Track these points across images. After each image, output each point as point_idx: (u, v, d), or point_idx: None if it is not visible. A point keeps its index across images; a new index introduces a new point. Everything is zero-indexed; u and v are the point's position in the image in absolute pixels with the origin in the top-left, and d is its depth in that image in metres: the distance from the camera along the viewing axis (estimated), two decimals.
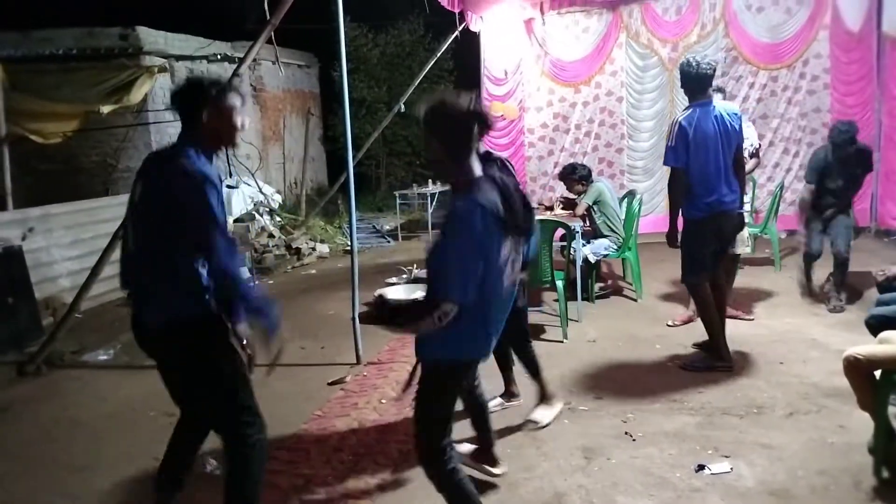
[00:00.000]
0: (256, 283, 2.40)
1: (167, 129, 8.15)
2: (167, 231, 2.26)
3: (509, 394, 3.75)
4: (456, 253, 2.05)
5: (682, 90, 4.30)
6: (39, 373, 4.75)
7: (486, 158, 3.19)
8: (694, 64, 4.10)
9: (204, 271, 2.28)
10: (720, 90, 4.79)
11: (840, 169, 5.23)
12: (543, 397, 3.55)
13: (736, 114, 4.22)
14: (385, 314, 2.42)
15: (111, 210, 6.54)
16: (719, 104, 4.24)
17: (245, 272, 2.33)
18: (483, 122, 2.14)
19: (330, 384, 4.26)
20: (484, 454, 2.98)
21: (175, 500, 2.62)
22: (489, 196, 2.08)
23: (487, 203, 2.05)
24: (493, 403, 3.57)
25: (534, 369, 3.57)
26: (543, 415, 3.49)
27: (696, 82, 4.11)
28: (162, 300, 2.31)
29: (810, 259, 5.47)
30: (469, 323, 2.14)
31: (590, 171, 6.05)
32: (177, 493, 2.62)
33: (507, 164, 3.27)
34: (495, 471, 2.96)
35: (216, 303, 2.32)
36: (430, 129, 2.15)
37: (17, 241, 5.59)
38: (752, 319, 5.06)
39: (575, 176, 5.95)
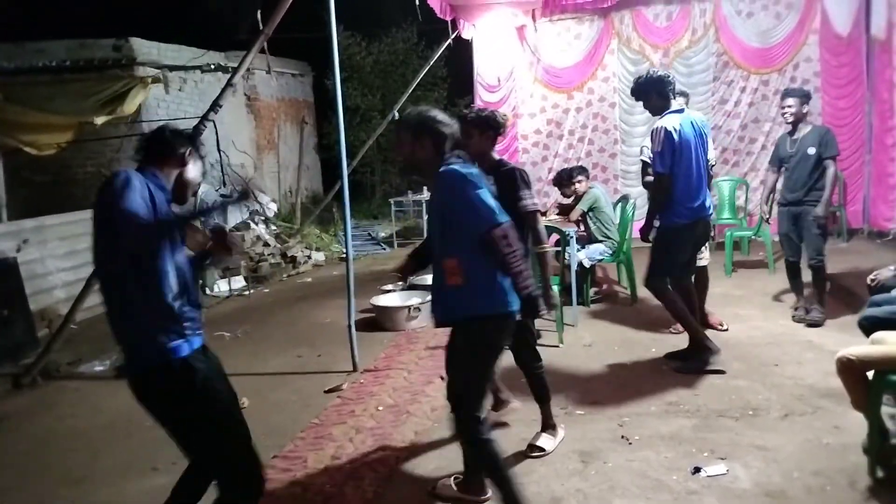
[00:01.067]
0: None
1: None
2: (110, 254, 2.09)
3: (499, 402, 3.58)
4: (473, 194, 2.43)
5: (646, 108, 4.28)
6: (35, 384, 4.74)
7: (498, 167, 3.18)
8: (643, 75, 4.23)
9: (166, 296, 2.11)
10: (683, 94, 4.73)
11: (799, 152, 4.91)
12: (546, 426, 3.36)
13: (705, 122, 4.34)
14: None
15: None
16: (690, 111, 4.33)
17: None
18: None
19: (327, 392, 4.26)
20: (470, 485, 2.90)
21: None
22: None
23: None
24: (544, 442, 3.32)
25: (542, 394, 3.37)
26: (548, 442, 3.29)
27: (655, 90, 4.14)
28: (131, 346, 2.15)
29: (792, 270, 5.18)
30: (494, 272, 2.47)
31: (584, 169, 6.17)
32: None
33: (518, 174, 3.10)
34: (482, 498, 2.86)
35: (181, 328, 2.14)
36: (422, 130, 2.55)
37: (12, 252, 5.59)
38: (727, 330, 4.89)
39: (574, 179, 6.00)
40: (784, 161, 5.08)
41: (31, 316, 5.49)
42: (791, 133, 5.03)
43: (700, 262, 4.53)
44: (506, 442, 3.16)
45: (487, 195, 2.44)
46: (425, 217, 9.95)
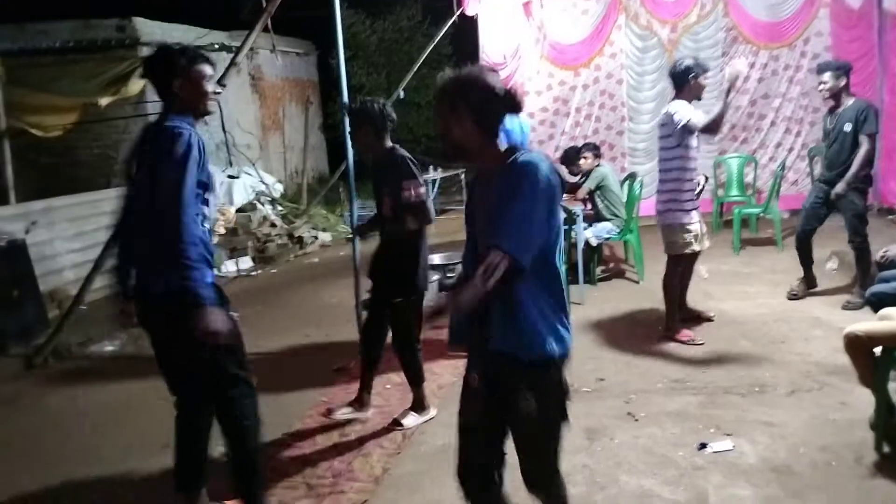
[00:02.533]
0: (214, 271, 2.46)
1: None
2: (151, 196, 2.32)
3: (360, 402, 3.56)
4: (521, 206, 1.74)
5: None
6: (46, 365, 4.79)
7: (388, 155, 3.30)
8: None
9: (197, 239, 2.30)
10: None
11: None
12: (417, 406, 3.44)
13: None
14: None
15: (113, 202, 6.50)
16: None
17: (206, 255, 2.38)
18: (515, 103, 1.86)
19: (335, 371, 4.29)
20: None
21: (201, 496, 2.60)
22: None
23: (550, 165, 1.80)
24: (341, 412, 3.53)
25: (416, 377, 3.42)
26: (411, 419, 3.40)
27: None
28: (158, 270, 2.34)
29: (800, 240, 5.06)
30: (546, 306, 1.85)
31: (596, 146, 6.09)
32: (202, 488, 2.60)
33: (404, 162, 3.26)
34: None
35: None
36: (461, 104, 1.82)
37: (21, 234, 5.62)
38: (713, 318, 4.68)
39: (579, 158, 5.94)
40: (826, 138, 4.94)
41: (41, 297, 5.53)
42: (832, 109, 4.86)
43: (698, 248, 4.33)
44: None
45: None
46: (432, 197, 9.92)
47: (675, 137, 4.14)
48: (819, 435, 3.04)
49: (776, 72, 8.10)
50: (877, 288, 3.32)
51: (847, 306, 4.70)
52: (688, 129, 4.08)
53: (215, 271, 2.60)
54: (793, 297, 5.02)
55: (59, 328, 4.93)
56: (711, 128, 4.09)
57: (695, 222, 4.25)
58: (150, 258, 2.39)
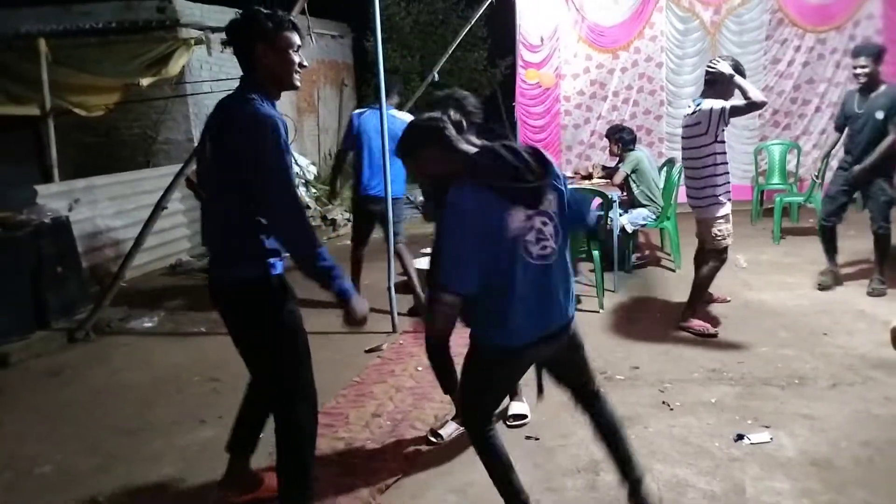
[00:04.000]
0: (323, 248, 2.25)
1: (204, 101, 8.23)
2: (232, 185, 2.16)
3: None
4: (448, 241, 2.04)
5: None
6: (88, 339, 4.93)
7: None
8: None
9: (264, 226, 2.21)
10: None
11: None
12: (514, 392, 3.29)
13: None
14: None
15: (152, 182, 6.67)
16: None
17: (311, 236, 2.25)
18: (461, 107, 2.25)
19: (367, 352, 4.32)
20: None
21: (245, 463, 2.66)
22: (484, 168, 2.07)
23: (470, 189, 2.03)
24: (448, 431, 3.19)
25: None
26: (522, 407, 3.27)
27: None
28: (229, 259, 2.27)
29: (826, 229, 4.95)
30: (496, 306, 2.09)
31: (634, 139, 5.91)
32: (247, 456, 2.66)
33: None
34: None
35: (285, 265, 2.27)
36: (421, 147, 2.21)
37: (65, 211, 5.75)
38: (717, 335, 4.27)
39: (619, 136, 5.82)
40: (849, 121, 4.80)
41: (83, 273, 5.67)
42: (862, 92, 4.71)
43: (731, 240, 4.24)
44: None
45: None
46: None
47: (710, 134, 3.98)
48: (861, 429, 2.97)
49: (822, 56, 7.83)
50: None
51: (873, 292, 4.71)
52: (731, 114, 3.95)
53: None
54: (824, 288, 4.91)
55: (100, 304, 5.06)
56: (752, 107, 3.94)
57: (729, 213, 4.17)
58: (224, 246, 2.29)
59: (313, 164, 10.67)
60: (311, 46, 11.07)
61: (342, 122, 12.59)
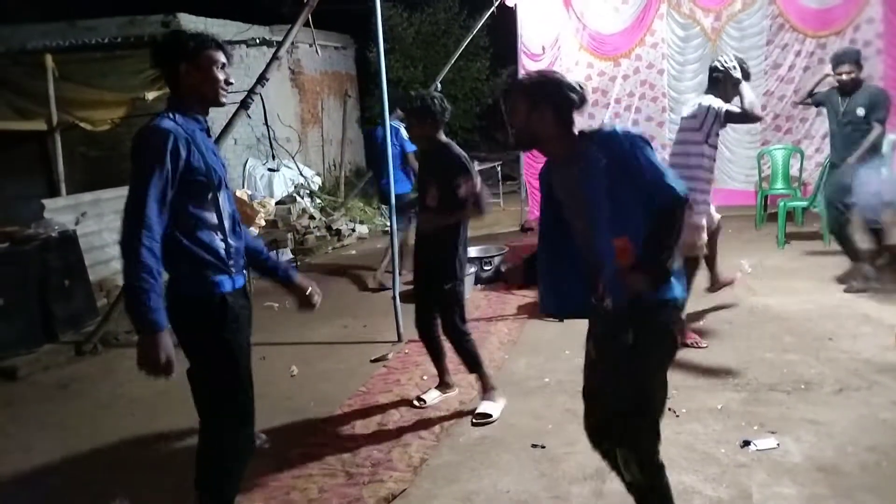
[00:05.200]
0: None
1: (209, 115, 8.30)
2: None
3: (444, 385, 3.66)
4: (655, 158, 2.06)
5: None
6: (96, 352, 4.96)
7: (442, 149, 3.42)
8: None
9: (198, 242, 2.14)
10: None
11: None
12: (485, 390, 3.42)
13: None
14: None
15: None
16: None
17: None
18: (584, 99, 2.14)
19: (372, 361, 4.33)
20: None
21: None
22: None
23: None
24: (431, 396, 3.58)
25: (471, 362, 3.43)
26: (491, 407, 3.35)
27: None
28: (171, 276, 2.20)
29: (834, 231, 5.19)
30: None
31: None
32: None
33: (461, 160, 3.37)
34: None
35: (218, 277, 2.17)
36: (541, 99, 2.10)
37: (72, 225, 5.80)
38: (706, 346, 4.18)
39: None
40: (833, 120, 5.00)
41: (90, 286, 5.71)
42: (842, 93, 4.90)
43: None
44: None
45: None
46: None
47: (703, 132, 3.98)
48: (868, 435, 2.96)
49: (823, 60, 7.79)
50: None
51: (850, 289, 4.89)
52: (725, 119, 3.98)
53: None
54: (855, 290, 4.95)
55: (107, 317, 5.09)
56: (748, 114, 4.00)
57: (706, 223, 4.19)
58: (165, 263, 2.17)
59: (318, 174, 10.73)
60: (317, 58, 11.17)
61: (346, 133, 12.67)
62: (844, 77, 4.81)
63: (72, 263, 5.41)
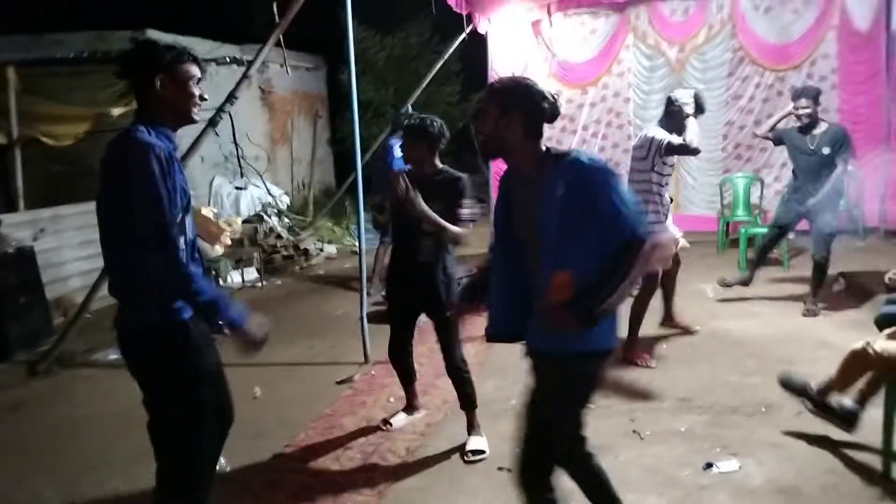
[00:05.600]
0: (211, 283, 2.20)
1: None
2: (118, 220, 2.03)
3: (411, 407, 3.64)
4: (624, 192, 1.99)
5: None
6: (51, 372, 4.79)
7: (440, 174, 3.29)
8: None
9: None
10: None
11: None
12: (473, 425, 3.32)
13: None
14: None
15: None
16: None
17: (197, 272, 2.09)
18: (556, 112, 2.09)
19: (338, 383, 4.28)
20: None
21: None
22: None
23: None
24: (398, 420, 3.55)
25: (472, 400, 3.32)
26: (481, 443, 3.25)
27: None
28: (130, 303, 2.12)
29: (765, 248, 5.49)
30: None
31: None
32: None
33: (461, 183, 3.23)
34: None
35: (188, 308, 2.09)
36: (512, 104, 2.04)
37: (29, 241, 5.65)
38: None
39: None
40: (796, 158, 5.18)
41: (47, 304, 5.55)
42: (803, 131, 5.08)
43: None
44: None
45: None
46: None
47: (648, 161, 4.24)
48: (827, 457, 3.02)
49: (781, 92, 8.10)
50: (885, 310, 3.31)
51: (807, 313, 5.07)
52: (665, 151, 4.20)
53: (220, 281, 2.47)
54: (725, 284, 5.47)
55: (64, 335, 4.94)
56: (684, 150, 4.25)
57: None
58: (124, 289, 2.14)
59: (286, 193, 10.65)
60: (288, 78, 11.16)
61: (315, 153, 12.64)
62: (801, 112, 5.01)
63: (28, 280, 5.26)
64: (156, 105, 2.09)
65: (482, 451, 3.21)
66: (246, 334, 2.12)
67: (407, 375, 3.58)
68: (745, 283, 5.50)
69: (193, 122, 2.19)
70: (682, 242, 4.62)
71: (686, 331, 4.86)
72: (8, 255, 5.09)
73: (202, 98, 2.16)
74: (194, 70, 2.13)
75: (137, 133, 2.04)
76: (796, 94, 5.12)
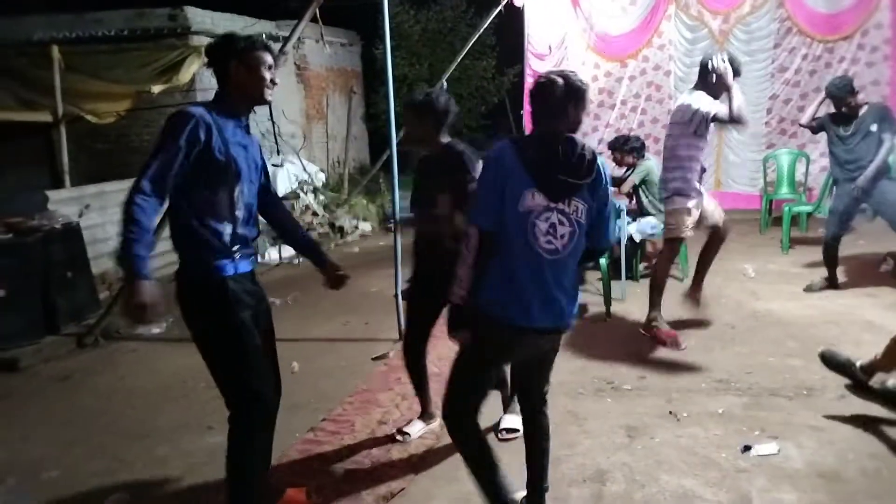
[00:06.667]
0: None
1: None
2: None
3: (427, 414, 3.40)
4: (478, 186, 2.31)
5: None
6: (97, 344, 4.96)
7: (447, 149, 3.10)
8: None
9: (205, 226, 2.26)
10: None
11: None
12: (508, 404, 3.24)
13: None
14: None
15: None
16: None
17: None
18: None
19: (373, 359, 4.33)
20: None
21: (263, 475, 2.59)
22: (527, 142, 2.28)
23: (510, 148, 2.24)
24: (414, 429, 3.29)
25: (499, 383, 3.14)
26: (515, 421, 3.11)
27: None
28: (180, 260, 2.36)
29: (830, 245, 5.15)
30: (498, 272, 2.22)
31: (643, 145, 5.92)
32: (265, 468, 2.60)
33: (466, 157, 2.96)
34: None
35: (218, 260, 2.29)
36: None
37: (75, 217, 5.80)
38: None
39: (626, 147, 5.83)
40: (837, 142, 5.09)
41: (92, 279, 5.71)
42: (840, 118, 5.05)
43: (690, 233, 4.35)
44: None
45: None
46: None
47: (693, 125, 4.08)
48: (869, 441, 2.95)
49: (829, 64, 7.79)
50: None
51: (807, 289, 5.14)
52: (707, 123, 4.06)
53: (259, 258, 2.57)
54: (809, 289, 5.16)
55: (109, 309, 5.09)
56: (736, 120, 4.06)
57: (697, 208, 4.26)
58: (175, 246, 2.39)
59: (322, 170, 10.72)
60: (326, 53, 11.17)
61: (350, 130, 12.67)
62: (854, 104, 4.96)
63: (75, 255, 5.41)
64: (230, 88, 2.34)
65: (516, 430, 3.20)
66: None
67: (419, 379, 3.35)
68: (833, 285, 5.20)
69: (265, 102, 2.39)
70: (719, 214, 4.48)
71: (699, 311, 4.63)
72: (55, 231, 5.25)
73: (273, 82, 2.36)
74: (265, 57, 2.34)
75: (192, 105, 2.33)
76: (850, 90, 4.96)
